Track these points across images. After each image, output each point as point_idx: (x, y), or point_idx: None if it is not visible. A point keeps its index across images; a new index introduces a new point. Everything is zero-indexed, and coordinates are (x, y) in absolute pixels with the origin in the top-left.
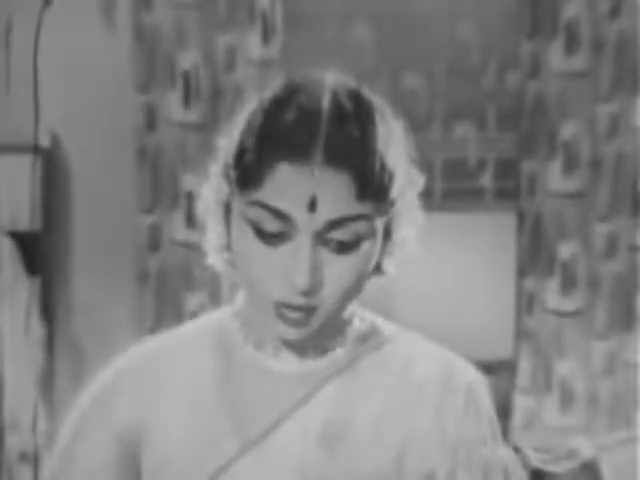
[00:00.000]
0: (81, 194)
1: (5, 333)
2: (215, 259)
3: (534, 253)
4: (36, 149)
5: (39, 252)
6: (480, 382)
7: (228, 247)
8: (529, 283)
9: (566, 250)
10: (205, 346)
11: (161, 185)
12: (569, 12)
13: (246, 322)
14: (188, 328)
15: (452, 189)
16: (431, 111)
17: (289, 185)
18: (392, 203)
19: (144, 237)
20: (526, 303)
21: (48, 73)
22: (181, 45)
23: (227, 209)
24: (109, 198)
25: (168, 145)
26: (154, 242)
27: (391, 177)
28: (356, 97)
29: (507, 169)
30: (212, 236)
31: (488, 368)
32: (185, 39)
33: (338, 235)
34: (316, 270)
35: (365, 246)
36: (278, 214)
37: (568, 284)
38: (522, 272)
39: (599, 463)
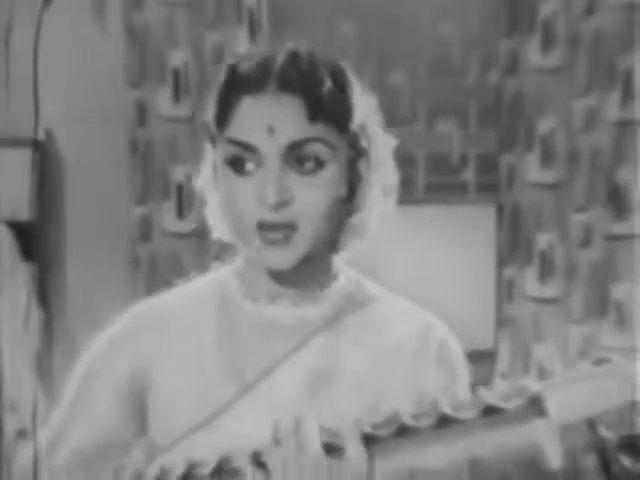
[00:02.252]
0: (75, 186)
1: (4, 317)
2: (218, 231)
3: (513, 243)
4: (35, 143)
5: (35, 241)
6: (452, 339)
7: (223, 223)
8: (509, 272)
9: (544, 239)
10: (206, 301)
11: (152, 177)
12: (546, 10)
13: (244, 279)
14: (190, 285)
15: (435, 183)
16: (414, 107)
17: (250, 116)
18: (355, 139)
19: (136, 228)
20: (506, 291)
21: (42, 70)
22: (171, 43)
23: (217, 178)
24: (102, 190)
25: (159, 139)
26: (145, 232)
27: (344, 109)
28: (312, 53)
29: (488, 164)
30: (211, 209)
31: (470, 356)
32: (175, 37)
33: (300, 155)
34: (285, 188)
35: (329, 170)
36: (245, 146)
37: (546, 272)
38: (502, 261)
39: (544, 399)
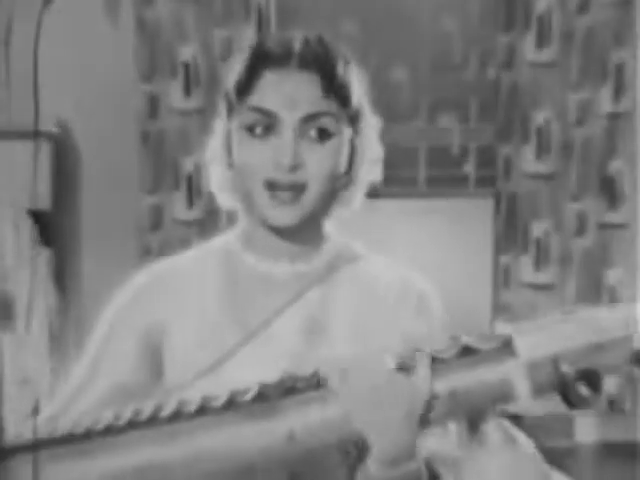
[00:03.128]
0: (89, 177)
1: (23, 298)
2: (222, 198)
3: (510, 231)
4: (36, 135)
5: (52, 228)
6: (430, 291)
7: (230, 184)
8: (505, 259)
9: (539, 228)
10: (212, 261)
11: (163, 168)
12: (541, 7)
13: (246, 238)
14: (198, 249)
15: (436, 176)
16: (416, 102)
17: (274, 88)
18: (353, 117)
19: (147, 216)
20: (502, 278)
21: (58, 65)
22: (181, 38)
23: (228, 142)
24: (115, 180)
25: (169, 131)
26: (156, 221)
27: (349, 91)
28: (322, 38)
29: (488, 157)
30: (217, 178)
31: None
32: (185, 32)
33: (313, 126)
34: (298, 154)
35: (335, 140)
36: (267, 113)
37: (541, 259)
38: (498, 249)
39: (515, 340)
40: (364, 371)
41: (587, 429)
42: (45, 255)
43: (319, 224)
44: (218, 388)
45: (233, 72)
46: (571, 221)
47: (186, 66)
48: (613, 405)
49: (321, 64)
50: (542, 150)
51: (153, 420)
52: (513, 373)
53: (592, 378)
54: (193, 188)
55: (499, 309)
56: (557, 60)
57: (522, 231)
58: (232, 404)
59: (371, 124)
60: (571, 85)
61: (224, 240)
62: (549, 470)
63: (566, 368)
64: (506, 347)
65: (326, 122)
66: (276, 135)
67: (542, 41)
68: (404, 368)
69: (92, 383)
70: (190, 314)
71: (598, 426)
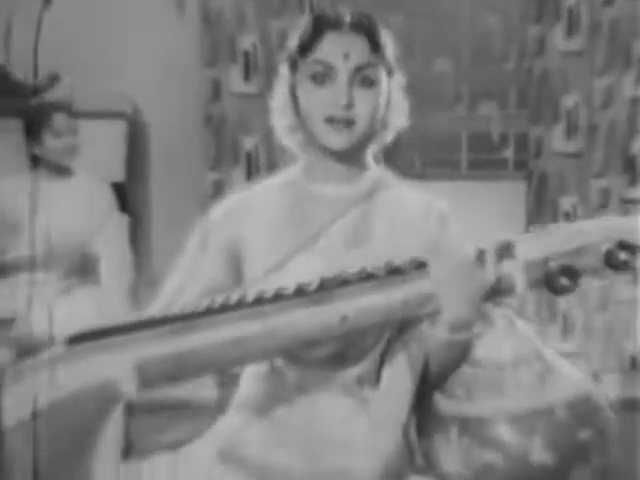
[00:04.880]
0: (158, 153)
1: (107, 256)
2: (286, 139)
3: (540, 206)
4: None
5: (126, 198)
6: (448, 210)
7: (293, 127)
8: None
9: (567, 202)
10: (279, 188)
11: (224, 147)
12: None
13: (305, 169)
14: (268, 180)
15: (477, 160)
16: (458, 91)
17: (331, 46)
18: (389, 71)
19: (210, 190)
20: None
21: (132, 53)
22: (241, 28)
23: (292, 93)
24: (181, 157)
25: (230, 113)
26: (218, 195)
27: (386, 50)
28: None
29: (526, 142)
30: (282, 122)
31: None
32: (245, 23)
33: (362, 75)
34: (351, 96)
35: (377, 88)
36: (326, 64)
37: None
38: (529, 222)
39: (514, 245)
40: (453, 258)
41: (611, 386)
42: (123, 220)
43: (363, 155)
44: (284, 283)
45: (296, 37)
46: (596, 196)
47: (246, 53)
48: (635, 364)
49: (367, 28)
50: (570, 131)
51: (239, 304)
52: (512, 270)
53: (571, 272)
54: (252, 165)
55: None
56: (584, 49)
57: (551, 205)
58: (299, 293)
59: (399, 80)
60: (597, 72)
61: (288, 173)
62: (540, 345)
63: (552, 264)
64: (506, 249)
65: (371, 72)
66: (333, 82)
67: (571, 31)
68: (480, 260)
69: (187, 286)
70: (263, 230)
71: (621, 383)
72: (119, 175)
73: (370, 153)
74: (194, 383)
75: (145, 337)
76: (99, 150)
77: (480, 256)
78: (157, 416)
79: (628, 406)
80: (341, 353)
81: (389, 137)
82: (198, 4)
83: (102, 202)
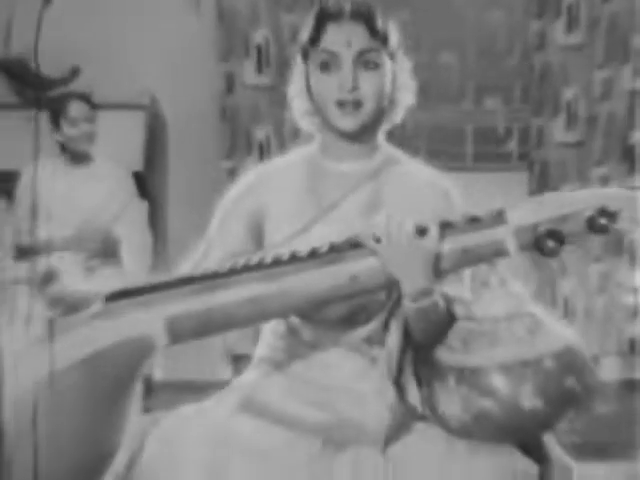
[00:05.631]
0: (174, 143)
1: (127, 238)
2: (303, 123)
3: (542, 193)
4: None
5: (144, 186)
6: (452, 186)
7: (309, 112)
8: None
9: (568, 190)
10: (299, 163)
11: (238, 136)
12: None
13: (322, 147)
14: (289, 155)
15: (482, 153)
16: (464, 86)
17: (334, 35)
18: (392, 54)
19: (225, 178)
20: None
21: (150, 48)
22: (254, 24)
23: (307, 81)
24: (196, 147)
25: (243, 104)
26: (233, 182)
27: (386, 35)
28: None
29: (529, 135)
30: (299, 107)
31: None
32: (257, 19)
33: (364, 59)
34: (356, 79)
35: (380, 70)
36: (331, 52)
37: None
38: None
39: (506, 212)
40: (394, 234)
41: (611, 368)
42: (143, 205)
43: (374, 134)
44: (303, 249)
45: (305, 30)
46: (596, 184)
47: (258, 48)
48: (634, 347)
49: (366, 16)
50: (571, 122)
51: (259, 266)
52: (504, 235)
53: (558, 236)
54: (264, 154)
55: (533, 260)
56: (584, 43)
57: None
58: (312, 255)
59: (405, 63)
60: (596, 65)
61: (307, 150)
62: (530, 302)
63: (541, 229)
64: (499, 216)
65: (372, 56)
66: (339, 69)
67: (571, 26)
68: (422, 232)
69: (213, 250)
70: (283, 201)
71: (621, 366)
72: (138, 164)
73: (381, 132)
74: (215, 366)
75: (175, 295)
76: (119, 140)
77: (421, 231)
78: (179, 397)
79: (627, 387)
80: (350, 316)
81: (399, 116)
82: (213, 1)
83: (122, 187)
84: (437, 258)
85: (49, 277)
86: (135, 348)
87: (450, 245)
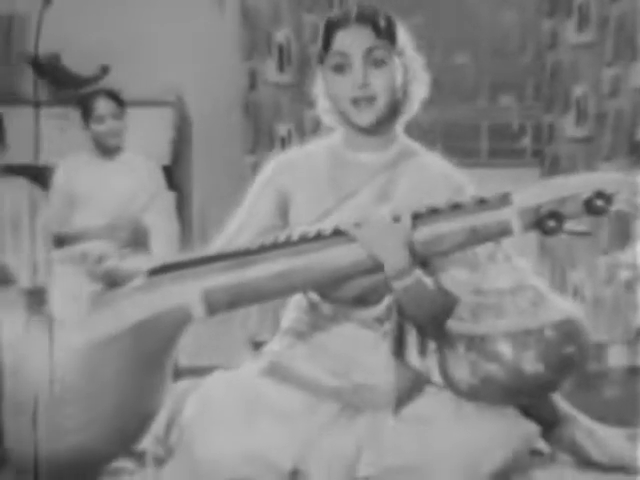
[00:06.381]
0: (200, 138)
1: (156, 227)
2: (326, 118)
3: None
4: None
5: (171, 180)
6: (468, 182)
7: (329, 109)
8: None
9: None
10: (322, 152)
11: (260, 132)
12: None
13: (343, 139)
14: (313, 144)
15: (496, 149)
16: (478, 84)
17: (343, 38)
18: (400, 52)
19: (248, 173)
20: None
21: (177, 47)
22: (276, 23)
23: (326, 83)
24: (221, 142)
25: (266, 101)
26: (255, 176)
27: (392, 35)
28: (371, 5)
29: (541, 131)
30: (322, 106)
31: None
32: (279, 19)
33: (373, 57)
34: (366, 76)
35: (389, 66)
36: (342, 54)
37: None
38: None
39: (511, 194)
40: (372, 220)
41: (618, 355)
42: (170, 196)
43: (390, 126)
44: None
45: (320, 37)
46: None
47: (280, 47)
48: None
49: (370, 18)
50: (580, 118)
51: (286, 243)
52: (510, 216)
53: (558, 217)
54: (285, 149)
55: (543, 252)
56: (594, 42)
57: None
58: (335, 233)
59: (417, 58)
60: (605, 63)
61: (329, 140)
62: (533, 276)
63: (543, 210)
64: (505, 198)
65: (380, 54)
66: (351, 68)
67: (581, 25)
68: (396, 220)
69: (245, 227)
70: (307, 185)
71: (628, 353)
72: (166, 158)
73: (399, 124)
74: (237, 352)
75: (211, 270)
76: (149, 135)
77: (396, 218)
78: None
79: (633, 373)
80: (363, 297)
81: (414, 107)
82: (237, 2)
83: (152, 179)
84: (410, 244)
85: (100, 257)
86: (174, 318)
87: (460, 224)
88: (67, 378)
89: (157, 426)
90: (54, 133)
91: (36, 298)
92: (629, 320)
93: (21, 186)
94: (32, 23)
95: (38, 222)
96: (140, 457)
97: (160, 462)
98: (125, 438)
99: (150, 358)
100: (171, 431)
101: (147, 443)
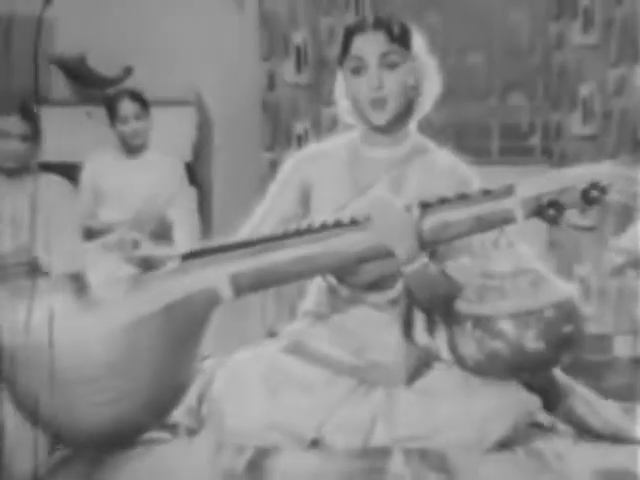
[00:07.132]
0: (220, 136)
1: (179, 221)
2: (346, 117)
3: None
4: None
5: (192, 176)
6: (472, 175)
7: (349, 109)
8: None
9: None
10: (342, 147)
11: (278, 130)
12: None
13: (361, 136)
14: (333, 139)
15: (507, 147)
16: (489, 84)
17: (360, 44)
18: (414, 56)
19: (266, 169)
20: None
21: (198, 49)
22: (294, 25)
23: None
24: (240, 140)
25: (284, 101)
26: (273, 173)
27: (406, 40)
28: (385, 13)
29: (550, 130)
30: (342, 106)
31: None
32: (297, 21)
33: (387, 60)
34: (380, 78)
35: (402, 69)
36: (359, 58)
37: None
38: None
39: (515, 185)
40: (385, 210)
41: (624, 345)
42: (193, 192)
43: (404, 124)
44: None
45: (340, 42)
46: None
47: (298, 48)
48: None
49: (385, 25)
50: (587, 116)
51: (307, 230)
52: (512, 205)
53: (558, 206)
54: (302, 147)
55: (551, 247)
56: (599, 43)
57: None
58: (352, 222)
59: (430, 61)
60: (610, 63)
61: (349, 137)
62: (534, 260)
63: (543, 201)
64: (509, 189)
65: (393, 58)
66: (366, 72)
67: (587, 27)
68: (407, 209)
69: (269, 215)
70: (327, 177)
71: (632, 343)
72: (188, 156)
73: (413, 121)
74: (256, 342)
75: (238, 255)
76: (171, 134)
77: (407, 208)
78: None
79: (638, 363)
80: (378, 282)
81: (428, 105)
82: (256, 4)
83: (175, 175)
84: (419, 232)
85: (135, 244)
86: (204, 299)
87: (466, 213)
88: (106, 354)
89: (189, 399)
90: (80, 131)
91: (77, 284)
92: (634, 311)
93: (56, 182)
94: (59, 25)
95: (70, 215)
96: (174, 428)
97: (192, 433)
98: (159, 410)
99: (182, 336)
100: (202, 404)
101: (180, 415)
